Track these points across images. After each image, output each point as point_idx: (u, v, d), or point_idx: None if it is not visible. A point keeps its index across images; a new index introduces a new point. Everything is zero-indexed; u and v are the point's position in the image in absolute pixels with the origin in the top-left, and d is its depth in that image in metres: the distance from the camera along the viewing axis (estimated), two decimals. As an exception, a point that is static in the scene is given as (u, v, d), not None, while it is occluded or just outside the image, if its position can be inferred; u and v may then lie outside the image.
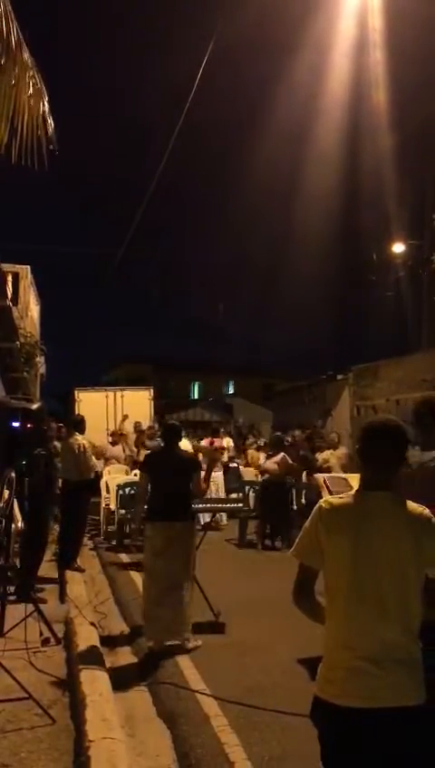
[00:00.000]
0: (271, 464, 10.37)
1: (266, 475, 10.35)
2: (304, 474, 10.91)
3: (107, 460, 11.95)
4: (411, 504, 2.27)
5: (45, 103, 4.96)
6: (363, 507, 2.25)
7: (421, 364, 13.45)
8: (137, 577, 7.77)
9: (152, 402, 15.18)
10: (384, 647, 2.15)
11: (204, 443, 12.64)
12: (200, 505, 6.33)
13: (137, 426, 13.25)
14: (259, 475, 10.65)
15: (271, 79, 21.95)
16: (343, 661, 2.17)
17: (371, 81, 15.17)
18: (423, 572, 2.22)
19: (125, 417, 13.91)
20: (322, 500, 2.36)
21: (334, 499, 2.33)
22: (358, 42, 14.31)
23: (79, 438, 8.25)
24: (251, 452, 14.07)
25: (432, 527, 2.24)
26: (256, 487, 10.66)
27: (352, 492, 2.33)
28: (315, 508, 2.33)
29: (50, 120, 5.01)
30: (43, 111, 4.90)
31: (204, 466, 8.33)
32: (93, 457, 8.44)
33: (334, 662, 2.20)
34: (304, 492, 10.63)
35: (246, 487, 11.07)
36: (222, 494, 11.30)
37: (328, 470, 10.43)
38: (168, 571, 5.39)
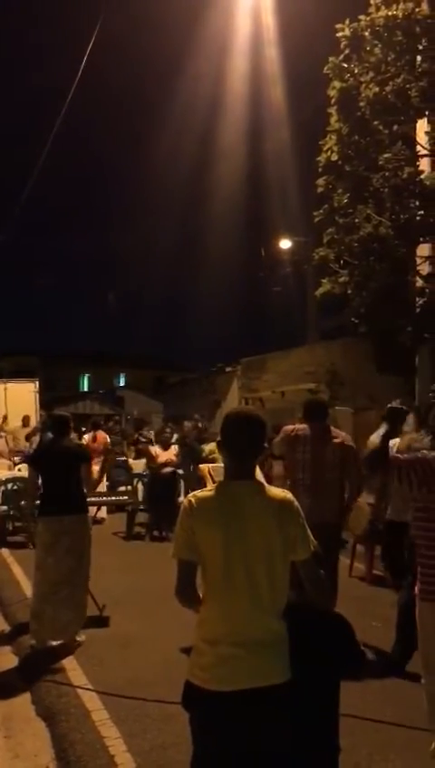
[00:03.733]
0: (169, 455, 10.45)
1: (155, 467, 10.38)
2: (191, 464, 11.04)
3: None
4: (274, 490, 2.34)
5: None
6: (229, 497, 2.29)
7: (306, 357, 13.95)
8: (20, 575, 7.54)
9: (37, 395, 14.76)
10: (254, 632, 2.20)
11: (87, 437, 12.37)
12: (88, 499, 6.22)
13: (26, 419, 12.86)
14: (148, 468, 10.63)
15: (165, 75, 21.89)
16: (214, 647, 2.21)
17: (265, 78, 15.45)
18: (289, 556, 2.28)
19: (5, 419, 13.32)
20: (190, 494, 2.38)
21: (201, 492, 2.36)
22: (253, 39, 14.48)
23: None
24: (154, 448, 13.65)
25: (293, 511, 2.31)
26: (145, 480, 10.66)
27: (217, 483, 2.36)
28: (184, 502, 2.34)
29: None
30: None
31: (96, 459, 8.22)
32: None
33: (205, 648, 2.24)
34: (191, 482, 10.73)
35: (135, 480, 11.02)
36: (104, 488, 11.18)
37: (213, 461, 10.59)
38: (59, 567, 5.26)
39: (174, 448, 10.80)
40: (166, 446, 10.81)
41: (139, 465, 12.04)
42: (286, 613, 2.27)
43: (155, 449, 10.86)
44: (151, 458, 10.71)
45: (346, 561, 7.13)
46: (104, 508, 10.78)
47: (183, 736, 3.54)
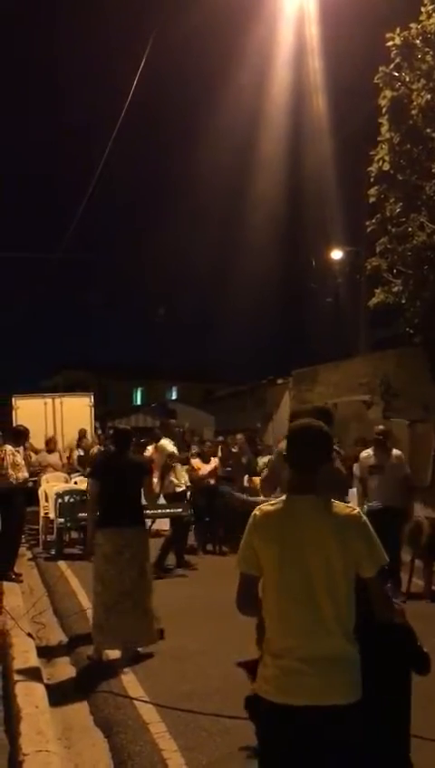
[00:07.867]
0: (209, 468, 10.45)
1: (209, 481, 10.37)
2: (246, 477, 11.01)
3: (44, 468, 11.71)
4: (339, 505, 2.32)
5: None
6: (290, 512, 2.29)
7: (358, 368, 13.78)
8: (77, 587, 7.65)
9: (93, 409, 14.99)
10: (317, 648, 2.18)
11: (150, 449, 12.42)
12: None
13: (82, 432, 13.04)
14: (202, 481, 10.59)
15: (211, 87, 22.14)
16: (278, 660, 2.21)
17: (310, 89, 15.43)
18: (353, 572, 2.25)
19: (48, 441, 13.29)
20: (257, 508, 2.39)
21: (267, 506, 2.37)
22: (296, 49, 14.51)
23: (6, 447, 8.23)
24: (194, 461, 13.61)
25: (358, 527, 2.28)
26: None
27: (285, 498, 2.36)
28: (251, 516, 2.37)
29: None
30: None
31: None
32: (23, 468, 8.36)
33: (269, 661, 2.24)
34: (245, 495, 10.70)
35: (188, 493, 11.04)
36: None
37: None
38: (121, 579, 5.29)
39: (214, 461, 10.69)
40: (207, 459, 10.73)
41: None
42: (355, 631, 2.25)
43: (196, 462, 10.79)
44: (192, 471, 10.71)
45: (404, 576, 6.98)
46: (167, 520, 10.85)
47: (240, 751, 3.54)
